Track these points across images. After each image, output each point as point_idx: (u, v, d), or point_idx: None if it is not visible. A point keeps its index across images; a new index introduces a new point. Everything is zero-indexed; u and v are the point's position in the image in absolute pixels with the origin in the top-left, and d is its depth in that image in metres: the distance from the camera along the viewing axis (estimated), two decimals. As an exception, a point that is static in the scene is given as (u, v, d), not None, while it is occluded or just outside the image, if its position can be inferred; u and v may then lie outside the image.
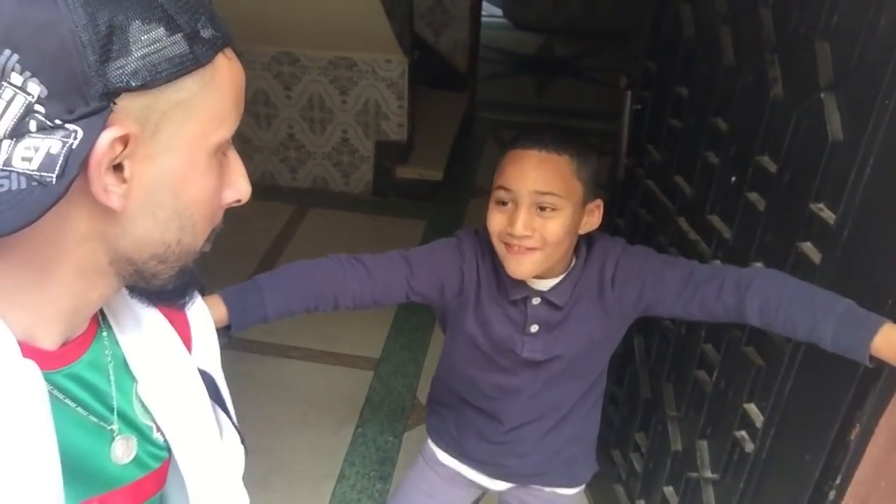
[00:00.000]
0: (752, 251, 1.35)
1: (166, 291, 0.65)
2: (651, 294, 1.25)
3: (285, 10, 3.28)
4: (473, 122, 5.08)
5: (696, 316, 1.24)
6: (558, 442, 1.44)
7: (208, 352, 0.78)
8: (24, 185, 0.49)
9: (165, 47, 0.53)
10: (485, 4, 5.65)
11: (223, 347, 0.84)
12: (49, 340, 0.60)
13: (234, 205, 0.66)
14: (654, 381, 1.81)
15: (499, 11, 7.33)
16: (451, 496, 1.55)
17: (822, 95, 1.15)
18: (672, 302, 1.24)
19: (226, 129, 0.61)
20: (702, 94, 1.54)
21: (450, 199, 4.08)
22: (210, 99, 0.58)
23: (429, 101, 4.44)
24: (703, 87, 1.54)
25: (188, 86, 0.55)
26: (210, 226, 0.65)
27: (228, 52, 0.60)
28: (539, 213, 1.17)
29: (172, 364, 0.72)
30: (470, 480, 1.52)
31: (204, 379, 0.75)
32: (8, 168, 0.49)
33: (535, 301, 1.28)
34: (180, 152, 0.57)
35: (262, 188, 4.06)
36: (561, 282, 1.27)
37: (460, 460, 1.50)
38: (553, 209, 1.17)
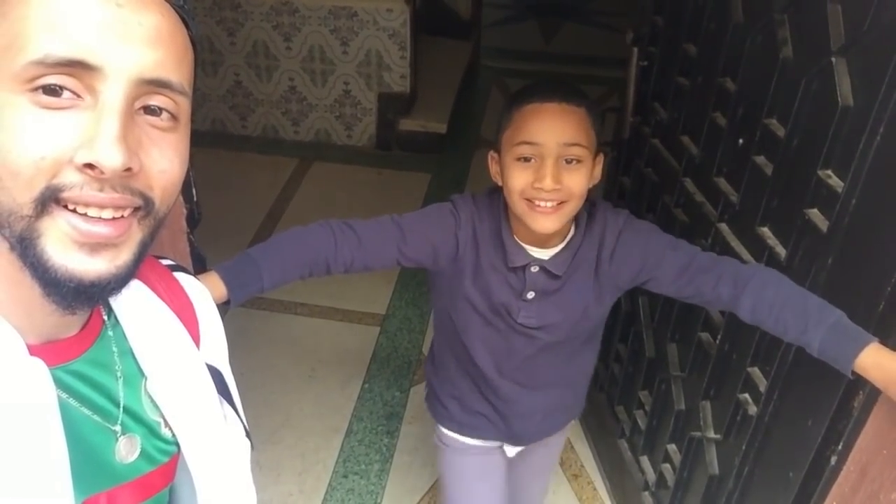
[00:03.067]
0: (759, 216, 1.34)
1: (48, 278, 0.56)
2: (648, 273, 1.27)
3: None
4: (478, 70, 4.99)
5: (686, 299, 1.27)
6: (556, 399, 1.46)
7: (216, 346, 0.78)
8: None
9: None
10: (489, -53, 5.50)
11: (223, 314, 0.84)
12: (33, 336, 0.59)
13: (85, 170, 0.54)
14: (659, 341, 1.82)
15: (503, -46, 7.13)
16: (493, 465, 1.56)
17: (833, 59, 1.12)
18: (667, 284, 1.26)
19: (31, 52, 0.52)
20: (710, 52, 1.51)
21: (454, 151, 4.04)
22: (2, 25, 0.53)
23: (432, 50, 4.36)
24: (711, 46, 1.50)
25: None
26: (46, 186, 0.54)
27: None
28: (565, 165, 1.15)
29: (181, 359, 0.72)
30: (495, 445, 1.54)
31: (212, 374, 0.75)
32: None
33: (534, 269, 1.27)
34: None
35: (265, 141, 4.04)
36: (560, 251, 1.27)
37: (475, 436, 1.51)
38: (578, 161, 1.16)
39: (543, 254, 1.27)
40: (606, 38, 5.33)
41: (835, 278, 1.16)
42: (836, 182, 1.14)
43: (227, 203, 3.36)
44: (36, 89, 0.53)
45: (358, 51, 3.74)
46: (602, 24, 5.79)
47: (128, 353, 0.68)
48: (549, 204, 1.16)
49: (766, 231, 1.34)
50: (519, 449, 1.54)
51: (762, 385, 1.36)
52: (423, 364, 2.65)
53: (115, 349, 0.67)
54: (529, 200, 1.17)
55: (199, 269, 1.18)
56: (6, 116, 0.52)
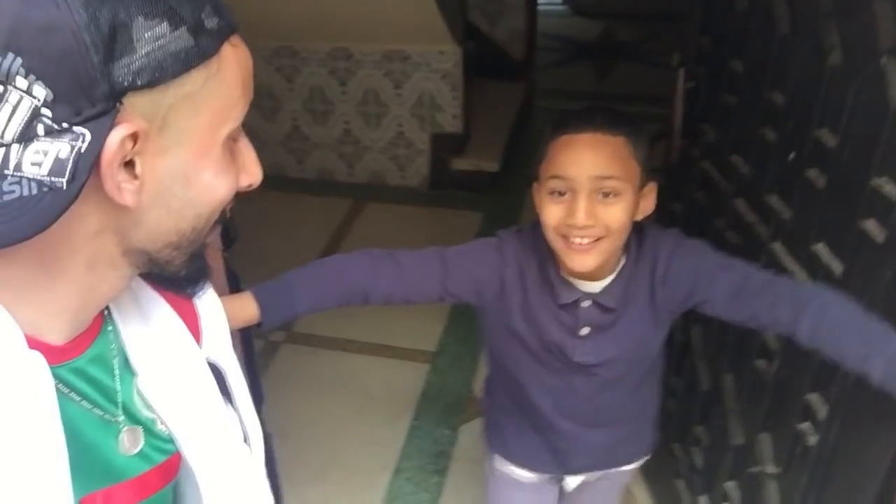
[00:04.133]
0: (813, 232, 1.27)
1: (180, 278, 0.65)
2: (700, 295, 1.19)
3: (337, 6, 3.30)
4: (532, 111, 5.00)
5: (741, 323, 1.18)
6: (617, 434, 1.39)
7: (219, 342, 0.76)
8: (35, 191, 0.49)
9: (170, 42, 0.51)
10: (543, -8, 5.56)
11: (256, 336, 0.83)
12: (56, 335, 0.60)
13: (246, 189, 0.65)
14: (713, 372, 1.73)
15: (558, -1, 7.21)
16: (546, 501, 1.51)
17: (883, 60, 1.06)
18: (722, 306, 1.17)
19: (234, 118, 0.60)
20: (757, 67, 1.46)
21: (507, 190, 4.02)
22: (217, 90, 0.57)
23: (485, 91, 4.39)
24: (758, 61, 1.46)
25: (194, 79, 0.54)
26: (220, 210, 0.64)
27: (234, 39, 0.58)
28: (601, 199, 1.09)
29: (178, 357, 0.71)
30: (550, 478, 1.48)
31: (213, 371, 0.73)
32: (18, 174, 0.49)
33: (586, 304, 1.21)
34: (191, 145, 0.56)
35: (320, 184, 4.11)
36: (612, 282, 1.20)
37: (530, 469, 1.45)
38: (615, 194, 1.09)
39: (594, 287, 1.21)
40: (660, 76, 5.26)
41: (893, 293, 1.08)
42: (891, 190, 1.07)
43: (281, 243, 3.41)
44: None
45: (411, 93, 3.79)
46: (656, 63, 5.73)
47: (122, 351, 0.67)
48: (584, 241, 1.10)
49: (820, 247, 1.26)
50: (579, 481, 1.47)
51: (822, 413, 1.27)
52: (473, 402, 2.60)
53: (113, 345, 0.66)
54: (565, 237, 1.12)
55: (232, 287, 1.18)
56: (222, 161, 0.60)
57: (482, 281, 1.23)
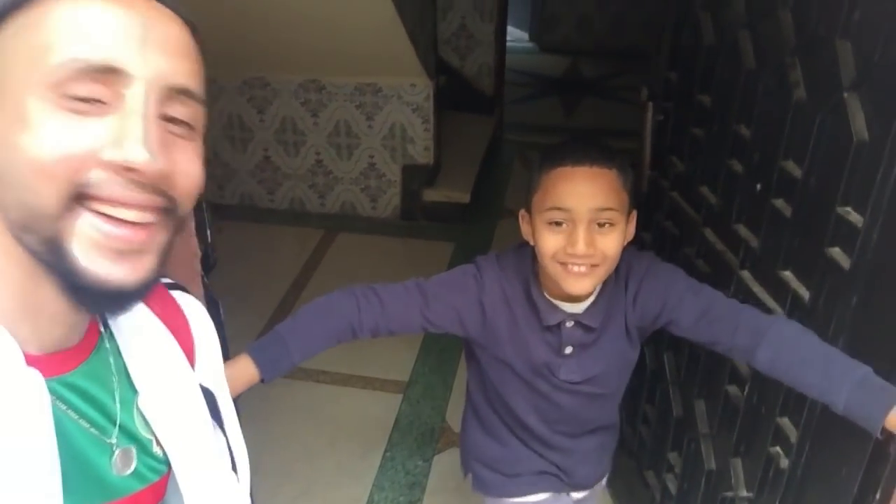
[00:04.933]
0: (780, 260, 1.31)
1: (75, 282, 0.57)
2: (668, 316, 1.24)
3: (312, 39, 3.33)
4: (501, 144, 5.08)
5: (705, 345, 1.24)
6: (602, 445, 1.45)
7: (211, 368, 0.77)
8: None
9: None
10: (510, 29, 5.68)
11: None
12: (33, 346, 0.59)
13: (126, 173, 0.55)
14: (686, 399, 1.76)
15: (525, 35, 7.36)
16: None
17: (846, 95, 1.11)
18: (686, 328, 1.23)
19: (58, 57, 0.54)
20: (724, 101, 1.51)
21: (478, 221, 4.06)
22: (29, 36, 0.54)
23: (456, 124, 4.45)
24: (724, 94, 1.51)
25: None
26: (63, 185, 0.54)
27: None
28: (598, 229, 1.13)
29: (174, 378, 0.71)
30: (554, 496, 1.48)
31: (205, 395, 0.73)
32: None
33: (569, 324, 1.25)
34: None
35: (292, 214, 4.11)
36: (593, 303, 1.24)
37: (541, 490, 1.45)
38: (611, 224, 1.13)
39: (577, 308, 1.24)
40: (624, 111, 5.40)
41: (859, 318, 1.12)
42: (855, 218, 1.12)
43: (254, 273, 3.40)
44: (63, 96, 0.54)
45: (382, 124, 3.83)
46: (621, 98, 5.88)
47: (122, 369, 0.67)
48: (582, 268, 1.14)
49: (788, 275, 1.30)
50: (583, 495, 1.50)
51: (793, 436, 1.30)
52: (446, 432, 2.59)
53: (111, 362, 0.66)
54: (563, 264, 1.15)
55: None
56: (33, 118, 0.53)
57: (461, 309, 1.25)
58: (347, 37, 3.28)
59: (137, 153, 0.54)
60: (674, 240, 1.80)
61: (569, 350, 1.26)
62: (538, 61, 6.88)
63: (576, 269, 1.14)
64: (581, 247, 1.12)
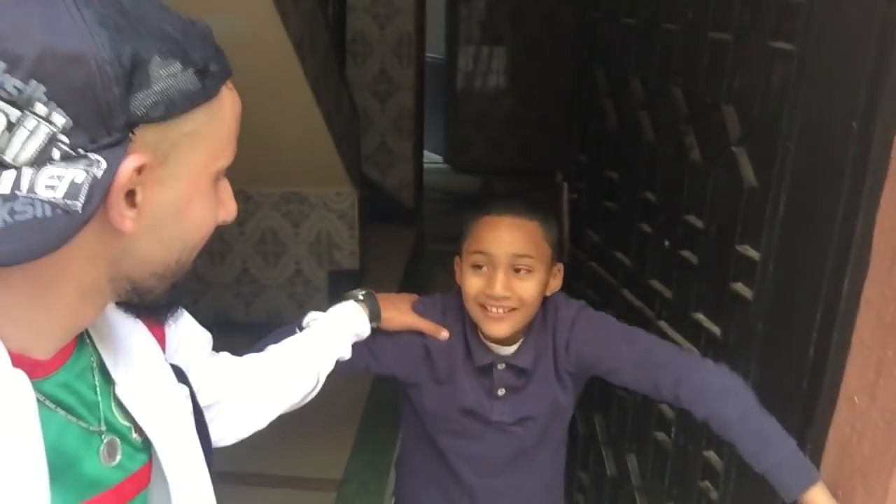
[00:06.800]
0: (692, 304, 1.45)
1: (158, 306, 0.67)
2: (607, 365, 1.30)
3: (242, 149, 3.44)
4: (423, 253, 5.23)
5: (647, 393, 1.30)
6: (533, 500, 1.45)
7: (185, 347, 0.81)
8: (48, 213, 0.51)
9: (181, 81, 0.56)
10: (426, 153, 5.98)
11: None
12: (42, 353, 0.62)
13: (222, 224, 0.69)
14: (618, 456, 1.84)
15: (439, 157, 7.73)
16: None
17: (734, 149, 1.30)
18: (626, 376, 1.29)
19: (226, 156, 0.65)
20: (630, 173, 1.70)
21: (404, 324, 4.12)
22: (215, 129, 0.62)
23: (379, 235, 4.59)
24: (630, 168, 1.70)
25: (198, 117, 0.59)
26: (202, 243, 0.67)
27: (230, 83, 0.64)
28: (515, 274, 1.23)
29: (148, 364, 0.74)
30: None
31: (178, 376, 0.77)
32: (31, 195, 0.51)
33: (501, 366, 1.32)
34: (187, 179, 0.61)
35: (216, 325, 4.05)
36: (522, 346, 1.32)
37: None
38: (528, 270, 1.23)
39: (507, 350, 1.32)
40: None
41: (765, 342, 1.25)
42: (752, 253, 1.27)
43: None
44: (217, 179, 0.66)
45: (309, 231, 3.92)
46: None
47: (99, 361, 0.70)
48: (500, 310, 1.24)
49: (700, 316, 1.44)
50: None
51: (719, 467, 1.39)
52: (382, 526, 2.54)
53: (91, 356, 0.69)
54: (482, 306, 1.25)
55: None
56: (209, 197, 0.66)
57: (404, 347, 1.32)
58: (276, 148, 3.42)
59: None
60: (595, 305, 1.92)
61: (501, 392, 1.33)
62: (453, 180, 7.20)
63: (494, 311, 1.24)
64: (498, 289, 1.21)
